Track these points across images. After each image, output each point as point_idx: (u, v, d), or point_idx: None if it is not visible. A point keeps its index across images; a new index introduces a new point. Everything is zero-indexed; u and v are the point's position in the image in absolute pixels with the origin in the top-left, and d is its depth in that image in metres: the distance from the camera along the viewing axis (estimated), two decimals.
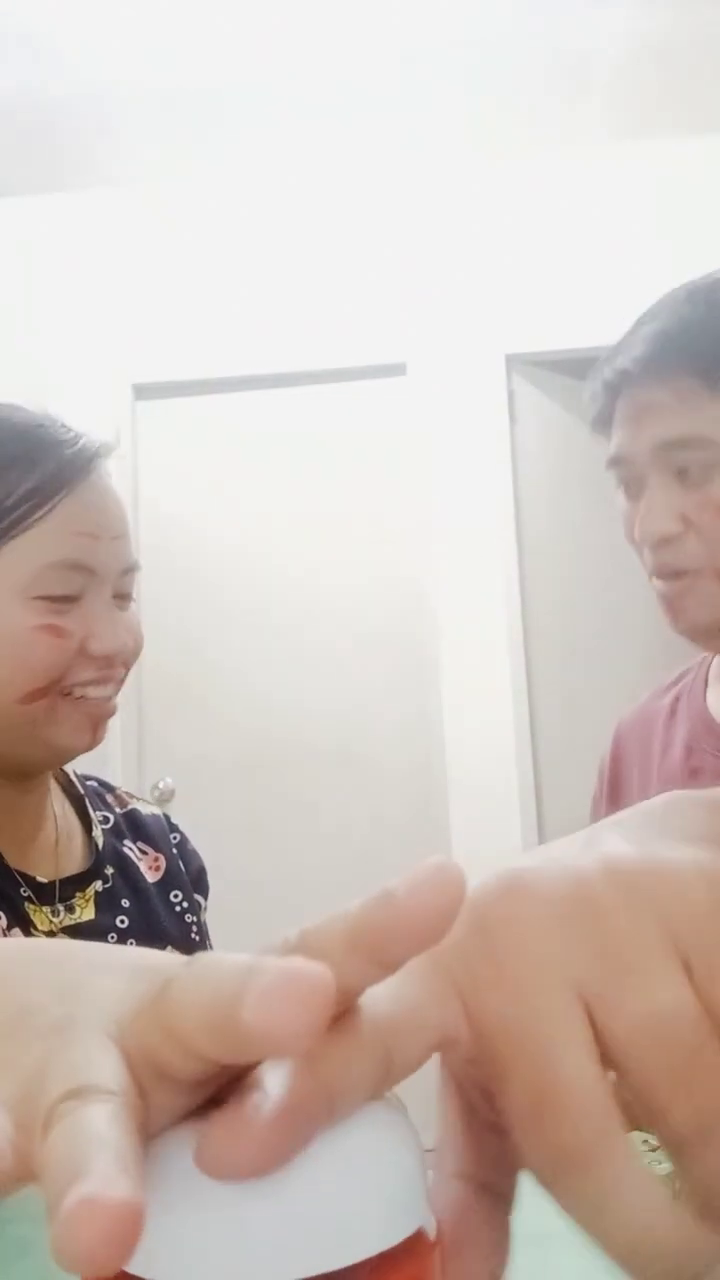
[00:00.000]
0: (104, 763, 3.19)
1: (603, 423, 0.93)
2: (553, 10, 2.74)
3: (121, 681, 0.86)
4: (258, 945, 0.28)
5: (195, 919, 0.95)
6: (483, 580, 3.25)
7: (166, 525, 3.36)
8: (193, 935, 0.94)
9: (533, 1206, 0.59)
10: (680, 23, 2.79)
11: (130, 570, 0.86)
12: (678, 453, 0.85)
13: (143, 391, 3.40)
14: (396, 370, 3.36)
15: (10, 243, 3.46)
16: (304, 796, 3.24)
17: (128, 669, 0.87)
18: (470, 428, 3.31)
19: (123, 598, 0.86)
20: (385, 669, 3.27)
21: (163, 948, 0.86)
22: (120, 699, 3.32)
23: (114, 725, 3.35)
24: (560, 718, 3.25)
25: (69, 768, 0.97)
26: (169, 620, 3.32)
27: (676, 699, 1.01)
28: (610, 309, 3.24)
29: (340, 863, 3.18)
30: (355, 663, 3.28)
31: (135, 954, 0.31)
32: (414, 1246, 0.28)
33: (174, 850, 0.98)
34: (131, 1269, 0.27)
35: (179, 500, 3.37)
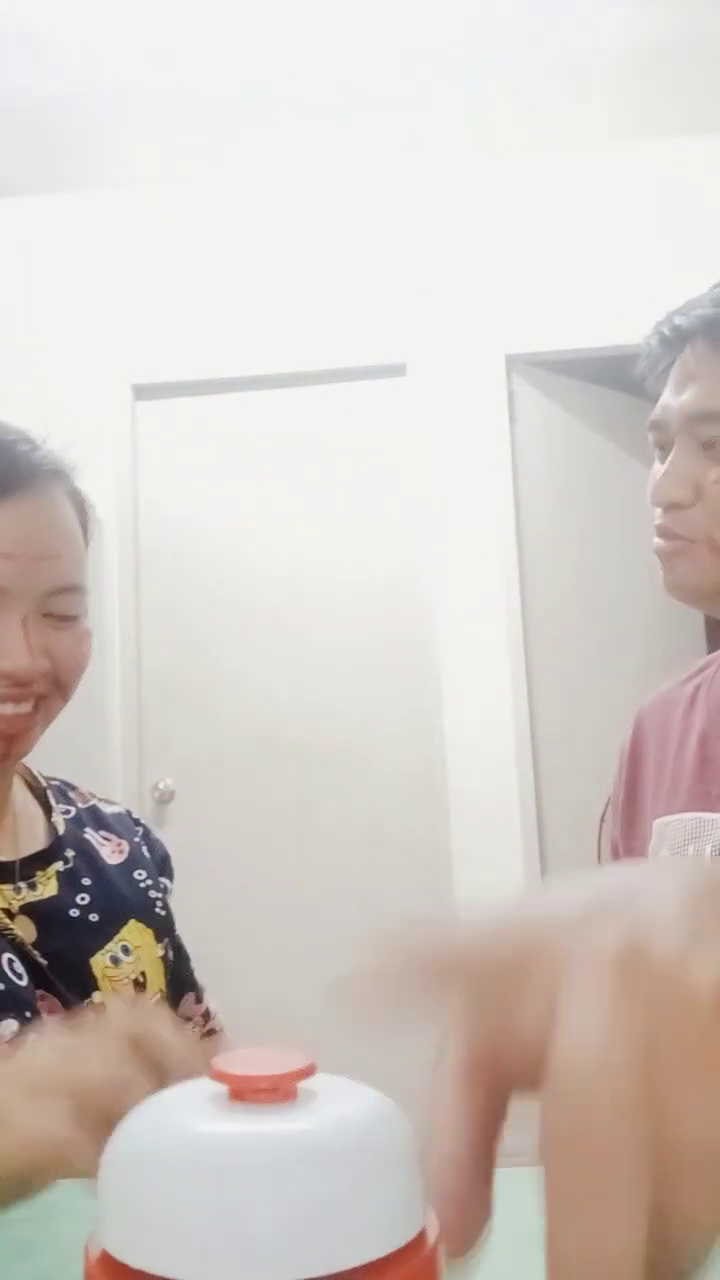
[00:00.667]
0: (104, 763, 3.19)
1: (654, 380, 0.92)
2: (553, 10, 2.74)
3: (51, 699, 0.87)
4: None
5: (160, 896, 0.99)
6: (483, 580, 3.25)
7: (166, 525, 3.36)
8: (157, 909, 0.97)
9: (532, 1207, 0.59)
10: (680, 23, 2.79)
11: (65, 591, 0.87)
12: (707, 425, 0.85)
13: (143, 391, 3.40)
14: (396, 370, 3.36)
15: (10, 243, 3.46)
16: (304, 797, 3.24)
17: (61, 687, 0.87)
18: (470, 428, 3.31)
19: (58, 618, 0.87)
20: (385, 668, 3.27)
21: (124, 920, 0.92)
22: (120, 699, 3.33)
23: (114, 726, 3.35)
24: (560, 717, 3.25)
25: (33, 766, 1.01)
26: (168, 620, 3.33)
27: (697, 689, 1.01)
28: (610, 309, 3.26)
29: (340, 863, 3.19)
30: (355, 662, 3.28)
31: None
32: (414, 1250, 0.28)
33: (137, 839, 1.02)
34: (137, 1264, 0.27)
35: (179, 500, 3.37)
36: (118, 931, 0.91)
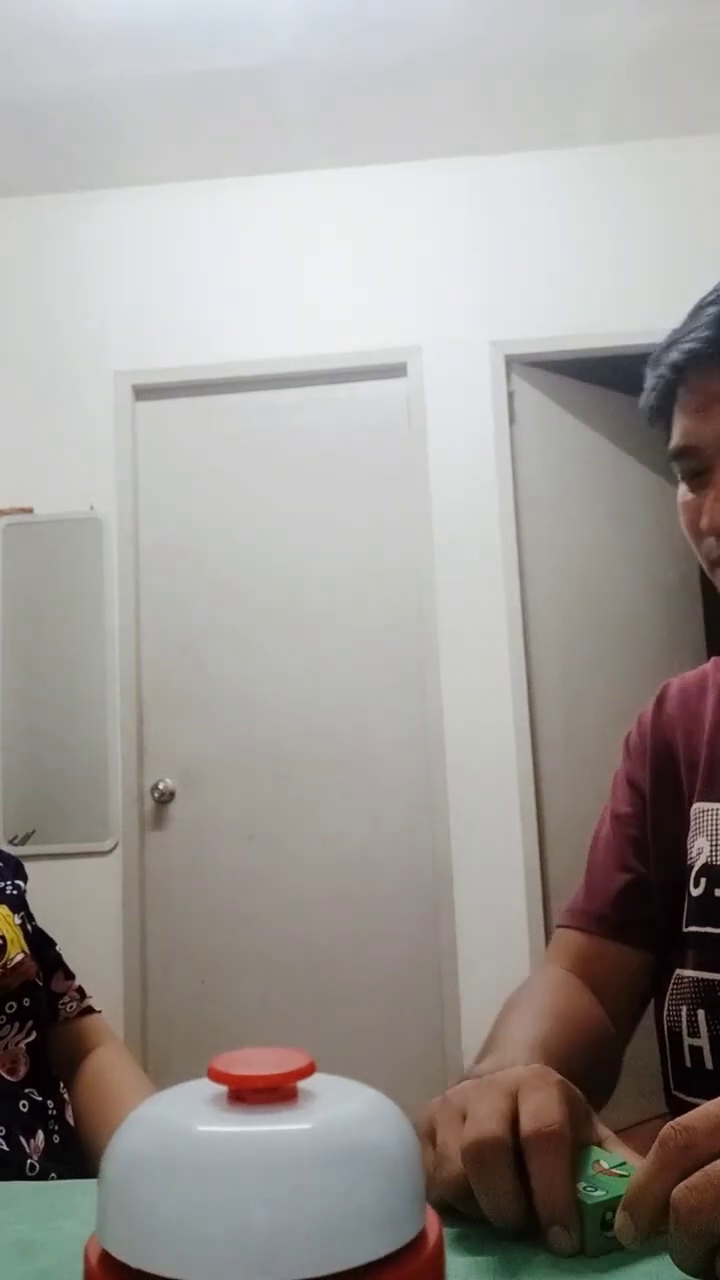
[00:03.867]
0: (104, 763, 3.19)
1: (661, 412, 0.91)
2: (552, 10, 2.74)
3: None
4: None
5: (8, 885, 1.15)
6: (483, 580, 3.25)
7: (166, 525, 3.36)
8: (8, 891, 1.13)
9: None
10: (679, 24, 2.79)
11: None
12: None
13: (143, 392, 3.40)
14: (396, 370, 3.36)
15: (10, 242, 3.46)
16: (304, 796, 3.23)
17: None
18: (470, 428, 3.31)
19: None
20: (385, 669, 3.27)
21: None
22: (120, 700, 3.35)
23: (114, 726, 3.35)
24: (560, 718, 3.25)
25: None
26: (168, 620, 3.33)
27: None
28: (610, 310, 3.26)
29: (339, 862, 3.18)
30: (355, 662, 3.27)
31: None
32: (414, 1250, 0.28)
33: None
34: (137, 1264, 0.27)
35: (179, 500, 3.37)
36: None
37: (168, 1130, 0.29)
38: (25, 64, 2.83)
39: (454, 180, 3.38)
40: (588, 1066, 0.75)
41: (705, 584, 3.61)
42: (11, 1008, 1.04)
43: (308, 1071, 0.30)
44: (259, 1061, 0.30)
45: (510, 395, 3.33)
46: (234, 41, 2.78)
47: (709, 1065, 0.81)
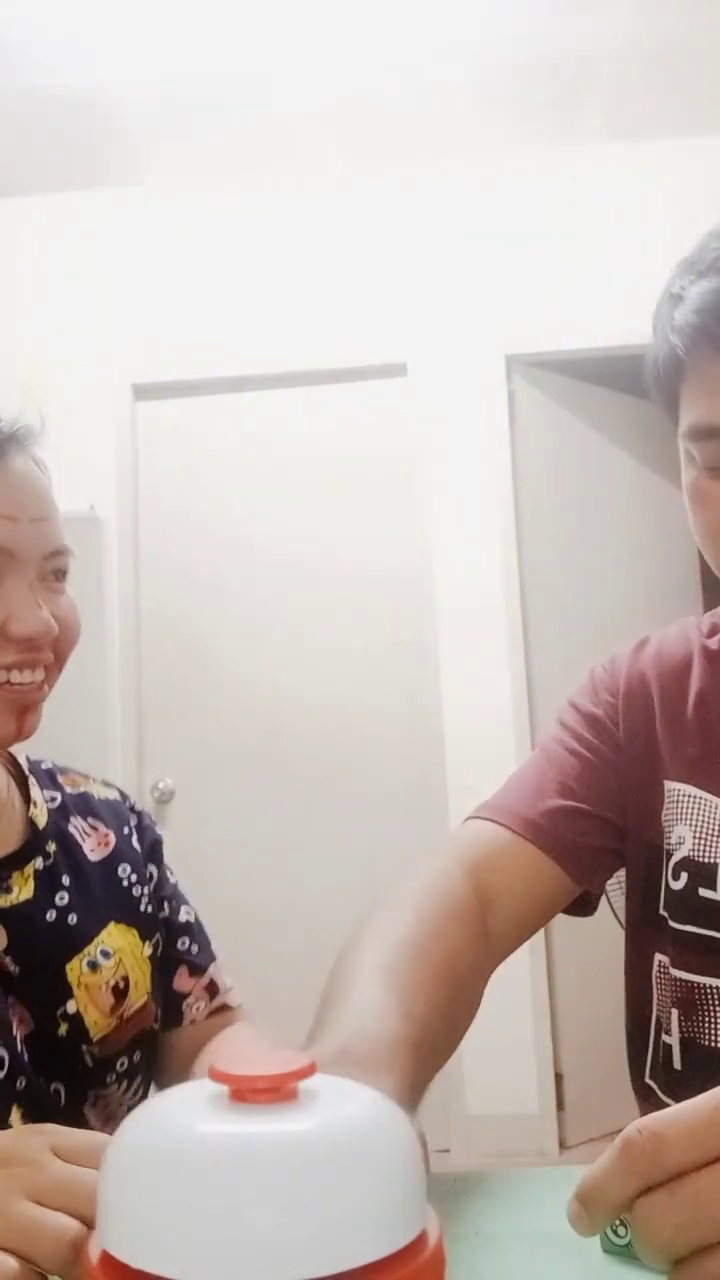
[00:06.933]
0: (104, 763, 3.19)
1: (668, 384, 0.76)
2: (553, 10, 2.74)
3: (52, 668, 0.83)
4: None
5: (145, 889, 0.95)
6: (482, 580, 3.25)
7: (166, 525, 3.36)
8: (142, 908, 0.94)
9: (532, 1207, 0.60)
10: (680, 23, 2.79)
11: (59, 553, 0.84)
12: None
13: (143, 391, 3.40)
14: (396, 370, 3.36)
15: (10, 242, 3.46)
16: (303, 797, 3.23)
17: (60, 655, 0.84)
18: (470, 428, 3.31)
19: (54, 581, 0.84)
20: (385, 668, 3.27)
21: (104, 922, 0.88)
22: (120, 699, 3.33)
23: (114, 726, 3.32)
24: None
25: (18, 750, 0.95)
26: (168, 620, 3.33)
27: (716, 657, 0.88)
28: (610, 310, 3.26)
29: (339, 861, 3.19)
30: (355, 662, 3.28)
31: None
32: (414, 1250, 0.28)
33: (127, 830, 0.98)
34: (137, 1264, 0.27)
35: (179, 500, 3.37)
36: (97, 934, 0.87)
37: (168, 1130, 0.29)
38: (27, 63, 2.83)
39: (455, 180, 3.38)
40: (443, 1011, 0.66)
41: (705, 584, 3.61)
42: (121, 1064, 0.86)
43: (308, 1071, 0.30)
44: (259, 1061, 0.30)
45: (510, 395, 3.33)
46: (235, 46, 2.78)
47: (677, 1065, 0.79)
